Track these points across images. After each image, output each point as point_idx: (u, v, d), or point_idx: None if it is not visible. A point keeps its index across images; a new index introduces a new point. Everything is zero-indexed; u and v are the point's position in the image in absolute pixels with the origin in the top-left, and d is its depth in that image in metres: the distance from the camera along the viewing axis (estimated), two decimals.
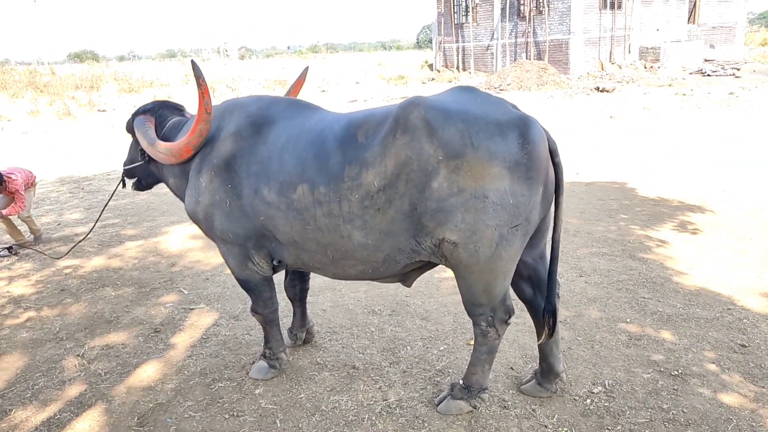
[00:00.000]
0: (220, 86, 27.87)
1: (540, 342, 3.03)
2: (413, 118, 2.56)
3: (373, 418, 3.06)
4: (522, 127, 2.54)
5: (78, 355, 3.84)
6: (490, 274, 2.70)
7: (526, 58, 26.46)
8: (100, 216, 4.55)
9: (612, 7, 26.31)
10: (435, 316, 4.20)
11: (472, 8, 29.45)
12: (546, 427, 2.93)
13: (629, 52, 27.02)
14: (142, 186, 3.91)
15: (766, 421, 2.88)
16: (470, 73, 29.47)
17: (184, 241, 6.20)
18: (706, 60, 28.79)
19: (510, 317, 2.91)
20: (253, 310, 3.42)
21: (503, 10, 27.85)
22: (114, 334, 4.13)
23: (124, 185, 3.96)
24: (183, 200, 3.52)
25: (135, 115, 3.57)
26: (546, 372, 3.15)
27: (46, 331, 4.21)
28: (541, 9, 26.21)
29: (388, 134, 2.62)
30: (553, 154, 2.65)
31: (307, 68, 3.91)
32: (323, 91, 28.39)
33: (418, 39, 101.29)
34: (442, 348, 3.76)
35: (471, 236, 2.58)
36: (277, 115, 3.06)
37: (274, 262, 3.21)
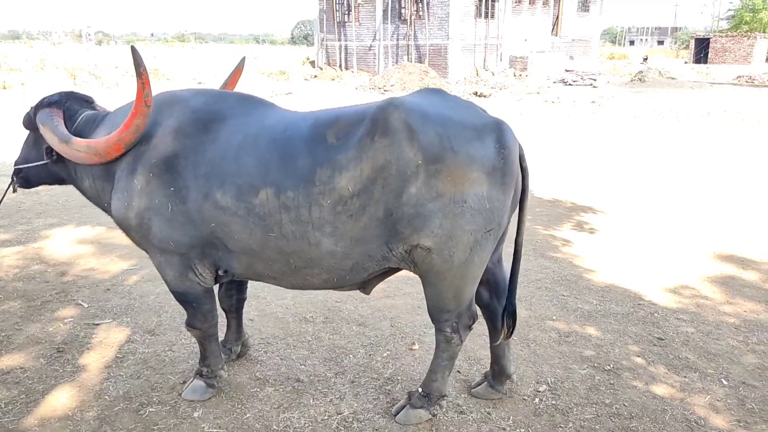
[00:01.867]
0: (81, 73, 25.52)
1: (497, 343, 3.06)
2: (394, 120, 2.45)
3: None
4: (498, 131, 2.53)
5: None
6: (461, 280, 2.67)
7: (408, 61, 27.13)
8: None
9: (486, 16, 27.79)
10: (371, 321, 4.11)
11: (355, 8, 29.62)
12: (504, 429, 2.96)
13: (501, 59, 28.71)
14: (30, 185, 3.42)
15: (695, 408, 3.13)
16: (353, 72, 29.63)
17: (72, 247, 5.54)
18: (566, 70, 31.36)
19: (474, 322, 2.90)
20: (190, 325, 3.10)
21: (385, 12, 28.32)
22: (7, 357, 3.56)
23: (15, 189, 3.44)
24: (101, 204, 3.12)
25: (38, 107, 3.09)
26: (498, 374, 3.18)
27: None
28: (421, 14, 27.00)
29: (364, 136, 2.48)
30: (521, 158, 2.67)
31: (243, 58, 3.64)
32: (200, 83, 27.04)
33: (293, 35, 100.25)
34: (385, 354, 3.67)
35: (447, 242, 2.52)
36: (226, 111, 2.79)
37: (219, 272, 2.92)
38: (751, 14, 45.58)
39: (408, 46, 27.80)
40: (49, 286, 4.63)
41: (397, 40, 28.31)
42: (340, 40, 30.56)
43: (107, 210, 3.09)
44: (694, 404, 3.15)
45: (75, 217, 6.43)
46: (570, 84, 26.97)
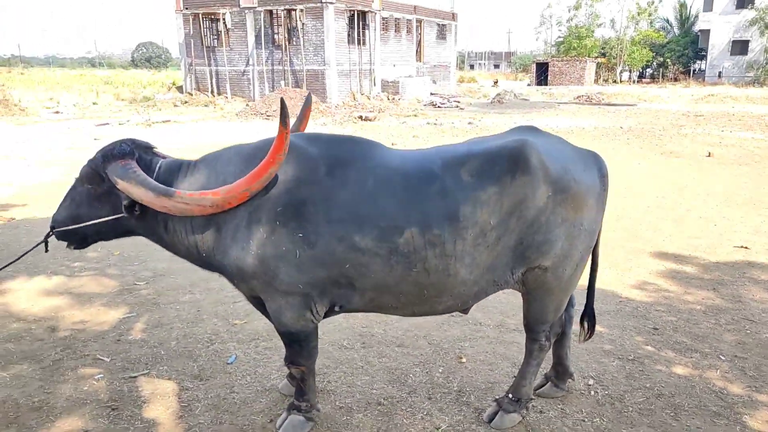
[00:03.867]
0: None
1: (582, 341, 3.51)
2: (533, 159, 2.77)
3: None
4: (598, 161, 3.00)
5: None
6: (564, 294, 3.07)
7: (285, 86, 27.20)
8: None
9: (358, 42, 28.78)
10: (408, 341, 4.34)
11: (225, 33, 29.10)
12: (584, 420, 3.38)
13: (374, 84, 29.84)
14: (87, 243, 3.26)
15: (714, 381, 3.78)
16: (227, 97, 29.01)
17: (41, 300, 5.07)
18: (431, 93, 33.36)
19: (561, 330, 3.30)
20: (294, 363, 3.14)
21: (257, 37, 28.19)
22: (62, 423, 3.29)
23: (47, 249, 3.27)
24: (192, 255, 3.06)
25: (106, 160, 2.94)
26: (561, 373, 3.60)
27: None
28: (294, 40, 27.28)
29: (505, 174, 2.77)
30: None
31: (310, 95, 3.75)
32: (57, 112, 24.89)
33: (133, 57, 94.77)
34: (440, 370, 3.94)
35: (563, 261, 2.91)
36: (346, 155, 2.90)
37: (336, 308, 3.02)
38: (578, 41, 51.82)
39: (284, 71, 27.89)
40: (48, 344, 4.26)
41: (272, 65, 28.28)
42: (210, 65, 29.80)
43: (200, 260, 3.06)
44: (711, 378, 3.81)
45: (21, 268, 5.84)
46: (439, 106, 28.76)
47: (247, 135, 17.10)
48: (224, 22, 28.71)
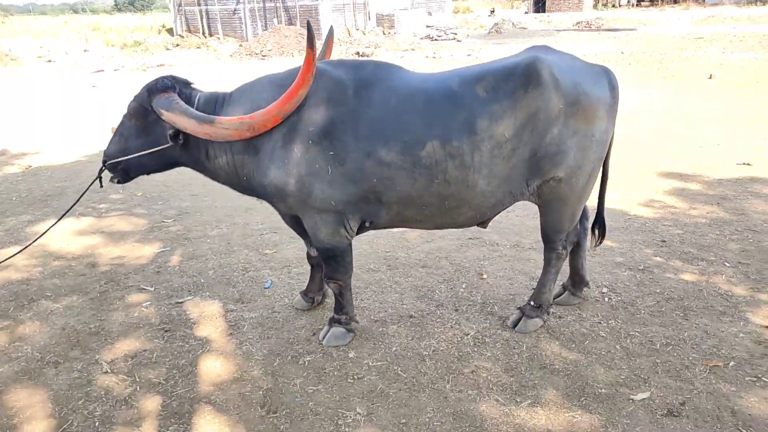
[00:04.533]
0: None
1: (594, 247, 3.79)
2: (545, 73, 2.94)
3: (475, 348, 3.43)
4: (608, 74, 3.17)
5: (107, 372, 3.30)
6: (579, 203, 3.30)
7: (278, 23, 26.62)
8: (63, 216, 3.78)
9: None
10: (430, 263, 4.61)
11: None
12: (600, 323, 3.68)
13: (369, 18, 29.19)
14: (130, 176, 3.49)
15: (719, 285, 4.05)
16: (219, 38, 28.43)
17: (75, 240, 5.31)
18: (427, 26, 32.63)
19: (577, 238, 3.55)
20: (332, 278, 3.41)
21: None
22: (121, 344, 3.59)
23: (102, 184, 3.49)
24: (233, 179, 3.29)
25: (151, 94, 3.14)
26: (578, 282, 3.87)
27: (25, 358, 3.44)
28: None
29: (518, 88, 2.94)
30: None
31: (331, 28, 3.87)
32: (49, 61, 24.46)
33: (116, 1, 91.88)
34: (464, 286, 4.22)
35: (576, 171, 3.11)
36: (370, 77, 3.08)
37: (366, 224, 3.26)
38: None
39: (276, 8, 27.23)
40: (91, 279, 4.53)
41: (264, 2, 27.57)
42: (199, 5, 29.04)
43: (240, 184, 3.28)
44: (717, 282, 4.10)
45: (47, 212, 6.06)
46: (436, 39, 28.22)
47: (245, 76, 16.95)
48: None
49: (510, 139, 2.98)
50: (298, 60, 21.94)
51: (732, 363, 3.19)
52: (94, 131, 9.84)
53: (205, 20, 29.20)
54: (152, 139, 3.23)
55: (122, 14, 68.96)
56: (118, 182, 3.49)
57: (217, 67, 20.45)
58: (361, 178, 3.02)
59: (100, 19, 55.14)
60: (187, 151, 3.25)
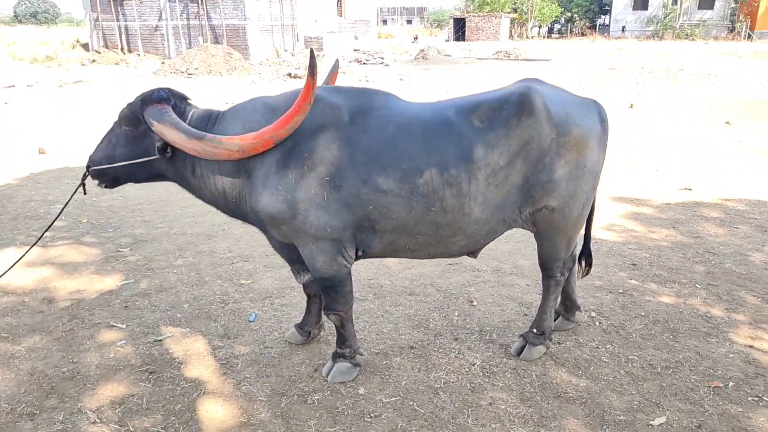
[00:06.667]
0: None
1: (581, 277, 3.84)
2: (538, 103, 3.00)
3: (486, 379, 3.38)
4: (598, 107, 3.29)
5: (95, 422, 2.96)
6: (574, 231, 3.36)
7: (203, 42, 25.95)
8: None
9: None
10: (417, 290, 4.54)
11: None
12: (598, 347, 3.74)
13: (297, 40, 29.09)
14: (118, 184, 3.37)
15: (697, 306, 4.26)
16: (140, 55, 27.33)
17: (24, 272, 4.80)
18: (354, 50, 33.00)
19: (574, 264, 3.61)
20: (332, 310, 3.26)
21: None
22: (104, 390, 3.25)
23: (85, 191, 3.38)
24: (219, 201, 3.19)
25: (144, 104, 3.04)
26: (570, 307, 3.94)
27: None
28: None
29: (512, 117, 2.99)
30: None
31: (337, 61, 3.81)
32: None
33: (16, 12, 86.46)
34: (456, 314, 4.18)
35: (569, 201, 3.18)
36: (366, 105, 3.06)
37: (359, 253, 3.17)
38: None
39: (201, 26, 26.54)
40: (51, 316, 4.11)
41: (188, 19, 26.82)
42: (118, 20, 27.80)
43: (226, 206, 3.21)
44: (694, 304, 4.29)
45: None
46: (365, 63, 28.52)
47: None
48: None
49: (504, 167, 3.02)
50: (226, 79, 21.45)
51: (731, 383, 3.33)
52: (12, 152, 9.07)
53: (124, 36, 27.99)
54: (140, 149, 3.13)
55: (24, 26, 64.91)
56: (105, 187, 3.37)
57: (140, 83, 19.56)
58: (357, 205, 2.96)
59: (2, 30, 51.58)
60: (173, 166, 3.14)
